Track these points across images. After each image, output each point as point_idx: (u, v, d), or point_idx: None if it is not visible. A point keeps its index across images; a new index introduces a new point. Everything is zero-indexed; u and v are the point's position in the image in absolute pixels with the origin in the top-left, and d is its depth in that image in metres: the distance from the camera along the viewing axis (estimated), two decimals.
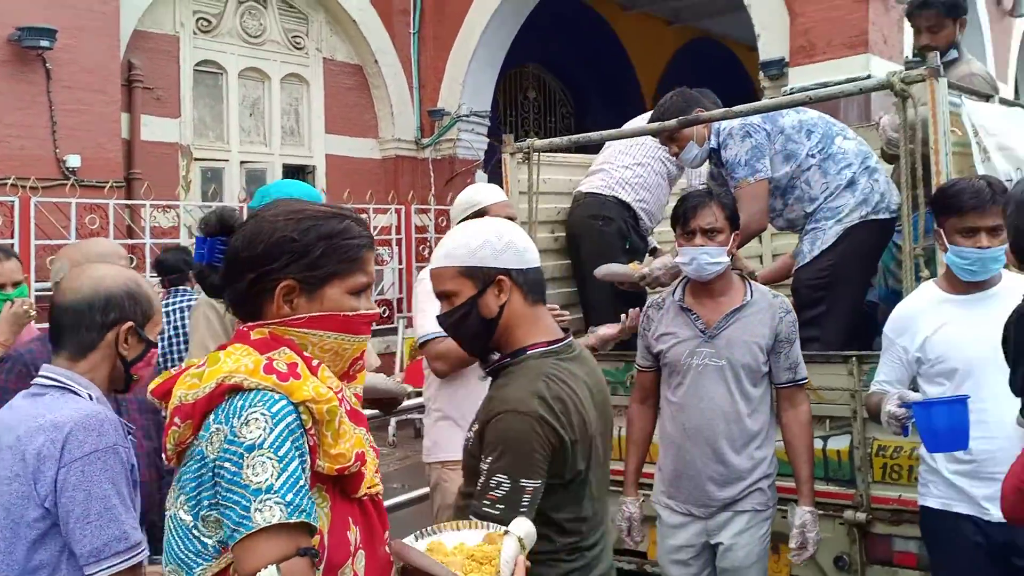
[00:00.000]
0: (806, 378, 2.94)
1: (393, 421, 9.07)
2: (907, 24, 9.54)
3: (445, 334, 3.06)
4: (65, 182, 8.02)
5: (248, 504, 1.31)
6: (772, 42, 9.60)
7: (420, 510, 5.38)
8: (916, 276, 2.94)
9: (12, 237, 7.42)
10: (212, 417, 1.37)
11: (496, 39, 11.83)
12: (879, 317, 3.87)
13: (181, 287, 4.94)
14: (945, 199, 2.56)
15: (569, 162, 4.33)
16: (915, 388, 2.61)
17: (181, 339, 4.81)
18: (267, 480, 1.31)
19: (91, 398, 1.81)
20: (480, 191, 3.40)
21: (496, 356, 2.00)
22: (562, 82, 15.23)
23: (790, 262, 4.10)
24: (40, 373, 1.85)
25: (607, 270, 3.74)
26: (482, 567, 1.46)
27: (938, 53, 3.04)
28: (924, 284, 2.74)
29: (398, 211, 10.84)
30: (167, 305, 4.85)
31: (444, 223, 11.22)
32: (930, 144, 2.87)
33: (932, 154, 2.83)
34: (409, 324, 9.75)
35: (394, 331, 10.05)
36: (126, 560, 1.70)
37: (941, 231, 2.56)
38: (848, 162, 3.55)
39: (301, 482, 1.34)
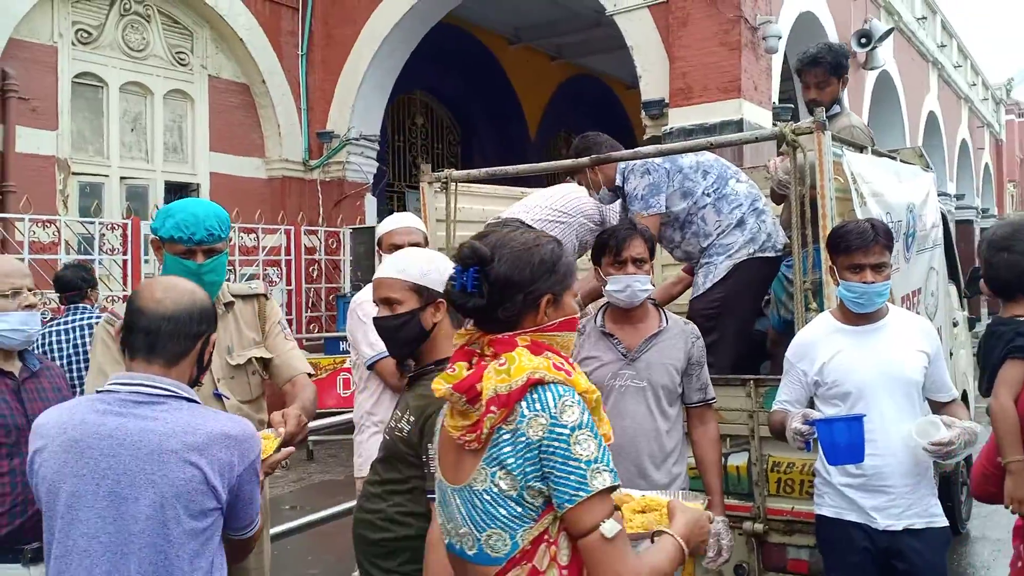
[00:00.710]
0: (715, 398, 3.19)
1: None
2: (775, 72, 10.33)
3: (386, 353, 3.22)
4: None
5: (584, 473, 1.61)
6: (653, 83, 10.12)
7: (322, 531, 5.40)
8: (806, 307, 3.26)
9: None
10: (524, 406, 1.65)
11: (386, 64, 11.95)
12: (768, 344, 4.25)
13: (81, 304, 4.84)
14: (835, 239, 2.89)
15: (483, 192, 4.52)
16: (812, 407, 2.91)
17: (82, 356, 4.70)
18: (592, 453, 1.63)
19: (199, 403, 2.02)
20: (389, 220, 3.59)
21: (411, 364, 2.45)
22: (449, 110, 15.48)
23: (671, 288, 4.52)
24: (138, 381, 1.98)
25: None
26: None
27: (823, 108, 3.39)
28: (821, 315, 3.05)
29: (287, 232, 10.74)
30: (67, 323, 4.73)
31: (334, 244, 11.21)
32: (817, 189, 3.20)
33: (819, 198, 3.17)
34: (300, 345, 9.67)
35: None
36: (252, 528, 2.13)
37: (833, 267, 2.89)
38: (739, 203, 3.87)
39: (608, 453, 1.67)
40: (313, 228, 11.20)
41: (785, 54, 11.35)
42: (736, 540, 3.41)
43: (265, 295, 3.02)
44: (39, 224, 8.34)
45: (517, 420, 1.64)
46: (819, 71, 4.13)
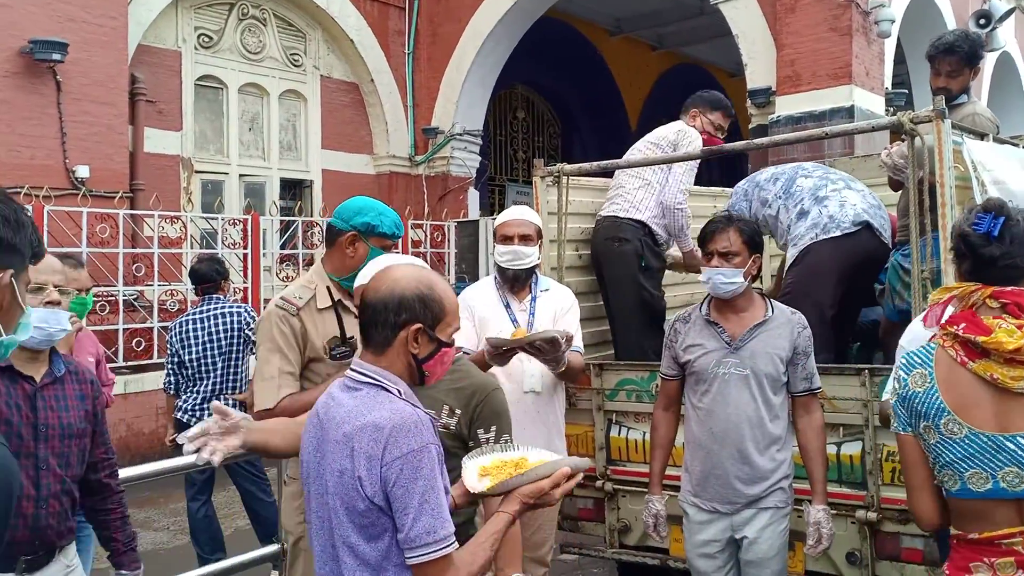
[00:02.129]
0: (820, 387, 3.21)
1: None
2: (888, 57, 10.04)
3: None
4: (75, 192, 8.17)
5: None
6: (759, 71, 9.98)
7: None
8: (924, 296, 3.23)
9: None
10: None
11: (489, 61, 12.14)
12: (881, 334, 4.21)
13: (214, 295, 5.16)
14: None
15: (593, 185, 4.60)
16: None
17: (215, 343, 5.02)
18: None
19: (400, 393, 1.97)
20: (506, 211, 3.73)
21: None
22: (550, 103, 15.59)
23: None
24: (353, 367, 2.02)
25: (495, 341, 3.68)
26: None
27: (943, 97, 3.34)
28: None
29: None
30: (202, 312, 5.07)
31: (439, 237, 11.48)
32: (936, 176, 3.17)
33: (938, 186, 3.14)
34: None
35: None
36: (436, 551, 1.85)
37: None
38: (801, 197, 4.10)
39: None
40: (419, 222, 11.49)
41: (899, 38, 11.01)
42: (848, 529, 3.43)
43: None
44: (167, 220, 8.85)
45: None
46: (953, 60, 4.05)
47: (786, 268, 4.08)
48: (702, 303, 3.28)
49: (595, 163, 4.15)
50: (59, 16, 8.18)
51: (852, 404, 3.43)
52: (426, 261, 11.28)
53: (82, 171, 8.29)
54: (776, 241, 4.35)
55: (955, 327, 2.00)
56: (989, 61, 13.49)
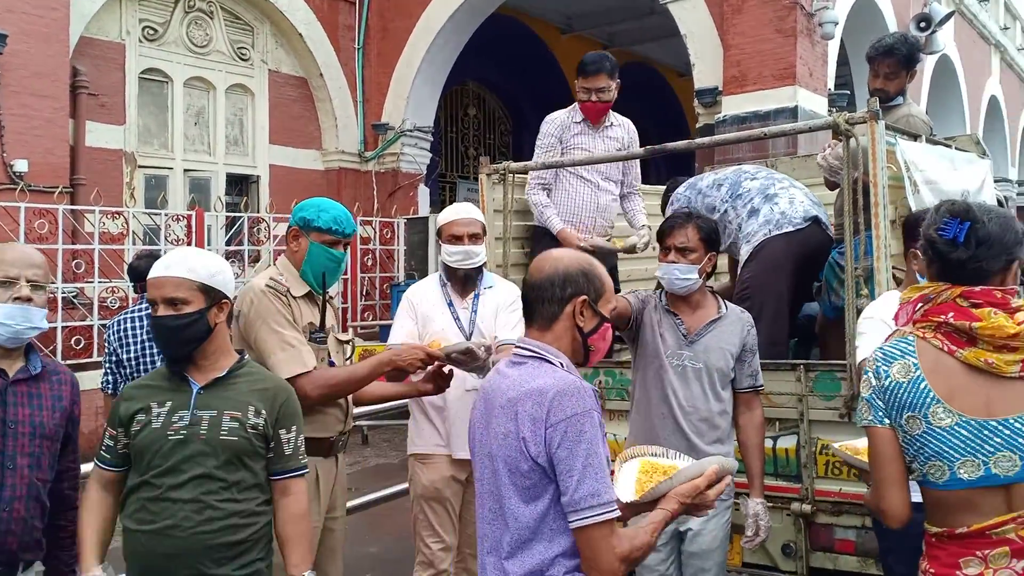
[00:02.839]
0: (763, 385, 3.28)
1: None
2: (831, 58, 10.22)
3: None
4: (13, 187, 7.96)
5: None
6: (706, 71, 10.11)
7: (378, 511, 5.60)
8: (857, 293, 3.32)
9: None
10: None
11: (439, 57, 12.11)
12: (817, 330, 4.30)
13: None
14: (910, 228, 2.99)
15: None
16: None
17: (154, 342, 4.92)
18: None
19: (562, 366, 2.05)
20: (450, 210, 3.73)
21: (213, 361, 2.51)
22: (502, 100, 15.60)
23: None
24: (517, 344, 2.14)
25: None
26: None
27: (877, 98, 3.42)
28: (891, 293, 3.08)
29: None
30: (140, 310, 4.96)
31: (388, 234, 11.43)
32: (870, 177, 3.25)
33: (872, 186, 3.22)
34: (356, 333, 9.91)
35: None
36: (599, 515, 1.90)
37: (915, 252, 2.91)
38: (750, 197, 4.15)
39: None
40: (368, 218, 11.43)
41: (842, 40, 11.22)
42: (784, 521, 3.50)
43: (334, 296, 3.40)
44: (109, 216, 8.68)
45: None
46: (891, 62, 4.18)
47: (741, 265, 4.16)
48: (659, 292, 3.33)
49: (542, 161, 4.17)
50: None
51: (788, 399, 3.50)
52: (375, 258, 11.26)
53: (20, 165, 8.08)
54: (722, 242, 4.37)
55: (942, 316, 2.04)
56: (929, 64, 13.83)
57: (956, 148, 4.28)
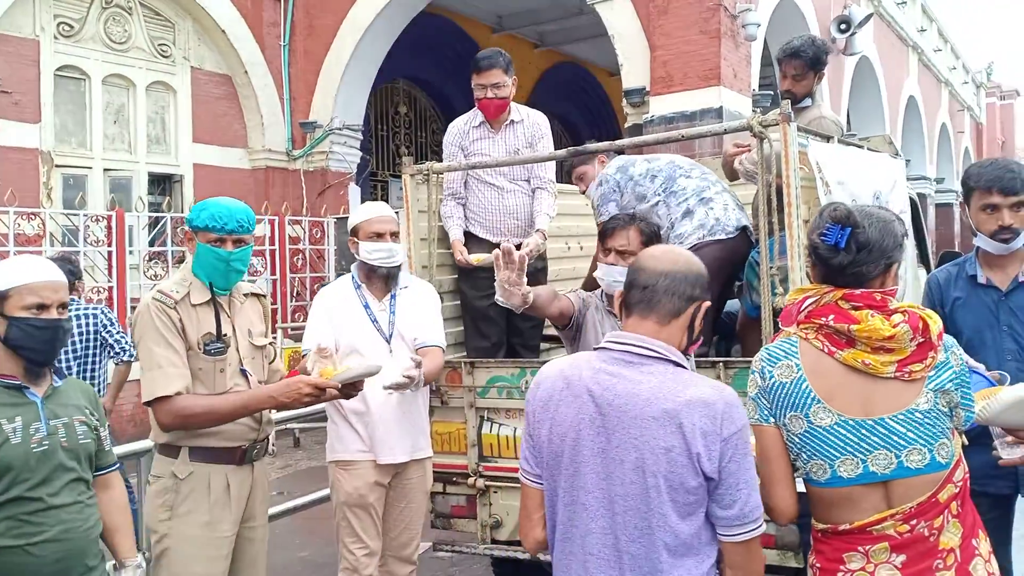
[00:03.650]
0: None
1: (272, 432, 9.08)
2: (754, 59, 10.43)
3: (310, 348, 3.44)
4: None
5: (972, 399, 2.15)
6: (634, 72, 10.22)
7: (309, 515, 5.53)
8: (773, 292, 3.38)
9: None
10: (944, 343, 2.12)
11: (368, 54, 12.00)
12: (738, 328, 4.38)
13: (70, 295, 4.92)
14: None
15: None
16: None
17: (68, 347, 4.81)
18: None
19: (684, 367, 2.00)
20: (364, 209, 3.67)
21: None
22: (432, 99, 15.53)
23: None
24: (627, 340, 2.00)
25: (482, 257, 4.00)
26: None
27: (790, 100, 3.50)
28: None
29: (271, 222, 10.81)
30: None
31: (318, 234, 11.29)
32: (783, 178, 3.32)
33: (785, 187, 3.28)
34: (285, 334, 9.76)
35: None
36: (759, 528, 1.92)
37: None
38: (685, 196, 4.09)
39: None
40: (297, 218, 11.26)
41: (766, 41, 11.46)
42: None
43: (265, 295, 3.28)
44: (24, 217, 8.38)
45: (945, 351, 2.11)
46: (798, 63, 4.24)
47: None
48: (600, 293, 3.33)
49: (463, 162, 4.15)
50: None
51: None
52: (305, 258, 11.11)
53: None
54: None
55: (823, 319, 2.10)
56: (849, 65, 14.23)
57: (869, 149, 4.40)
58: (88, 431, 2.57)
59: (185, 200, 10.90)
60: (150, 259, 9.64)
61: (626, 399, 1.94)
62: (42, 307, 2.43)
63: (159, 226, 9.65)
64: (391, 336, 3.51)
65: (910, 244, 4.78)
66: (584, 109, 18.00)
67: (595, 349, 2.08)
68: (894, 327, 2.04)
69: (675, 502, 1.89)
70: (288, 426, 9.43)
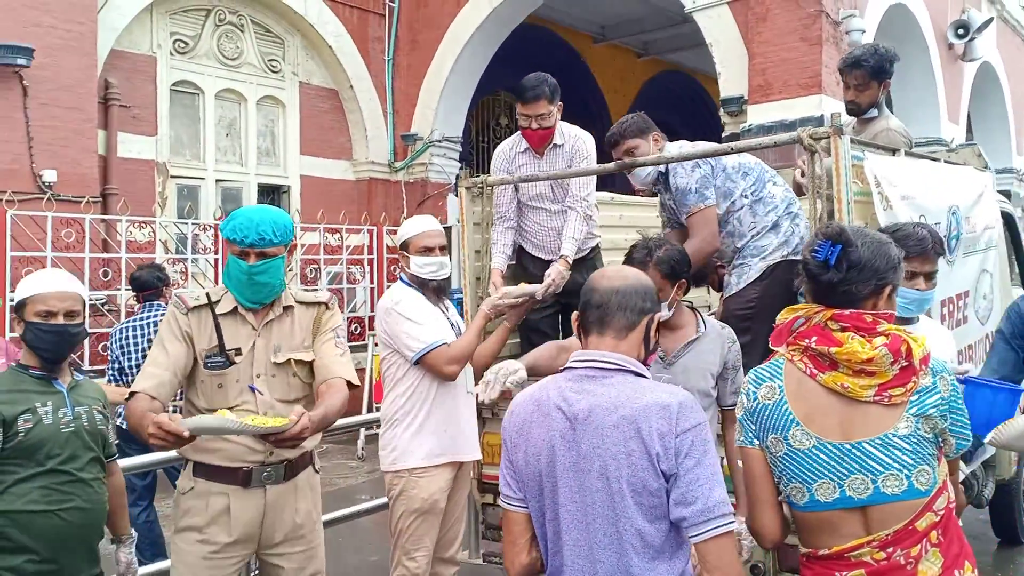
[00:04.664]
0: None
1: (363, 435, 9.33)
2: None
3: (445, 342, 3.50)
4: (41, 196, 8.21)
5: (967, 424, 2.09)
6: (732, 80, 10.02)
7: (376, 519, 5.64)
8: None
9: None
10: (932, 368, 2.06)
11: (468, 68, 12.18)
12: None
13: (156, 302, 5.20)
14: None
15: None
16: None
17: None
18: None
19: (645, 376, 2.05)
20: (414, 223, 3.80)
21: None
22: None
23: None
24: (590, 356, 2.05)
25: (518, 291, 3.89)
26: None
27: (841, 113, 3.36)
28: None
29: (370, 231, 11.11)
30: (143, 319, 5.11)
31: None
32: (833, 192, 3.19)
33: (835, 202, 3.16)
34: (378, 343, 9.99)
35: (365, 348, 10.30)
36: (730, 523, 1.91)
37: None
38: (775, 206, 3.86)
39: None
40: (395, 228, 11.48)
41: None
42: (754, 541, 3.44)
43: (327, 304, 3.10)
44: (136, 225, 8.89)
45: (933, 376, 2.05)
46: (859, 73, 4.11)
47: (748, 279, 3.88)
48: None
49: (518, 176, 4.18)
50: (25, 21, 8.21)
51: None
52: (402, 268, 11.34)
53: (49, 175, 8.32)
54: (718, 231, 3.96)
55: (806, 340, 2.08)
56: (969, 71, 13.50)
57: (948, 161, 4.18)
58: (103, 420, 2.99)
59: (292, 209, 11.32)
60: None
61: (589, 411, 1.99)
62: (50, 314, 2.81)
63: None
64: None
65: (995, 261, 4.50)
66: (689, 118, 17.69)
67: (561, 370, 2.10)
68: (874, 350, 1.99)
69: (640, 505, 1.92)
70: (376, 431, 9.65)
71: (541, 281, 4.24)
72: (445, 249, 3.68)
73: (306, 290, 3.28)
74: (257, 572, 3.22)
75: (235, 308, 2.95)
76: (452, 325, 3.73)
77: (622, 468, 1.93)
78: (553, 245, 4.31)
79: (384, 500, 5.50)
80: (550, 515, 2.06)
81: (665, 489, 1.92)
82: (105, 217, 8.75)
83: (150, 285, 5.25)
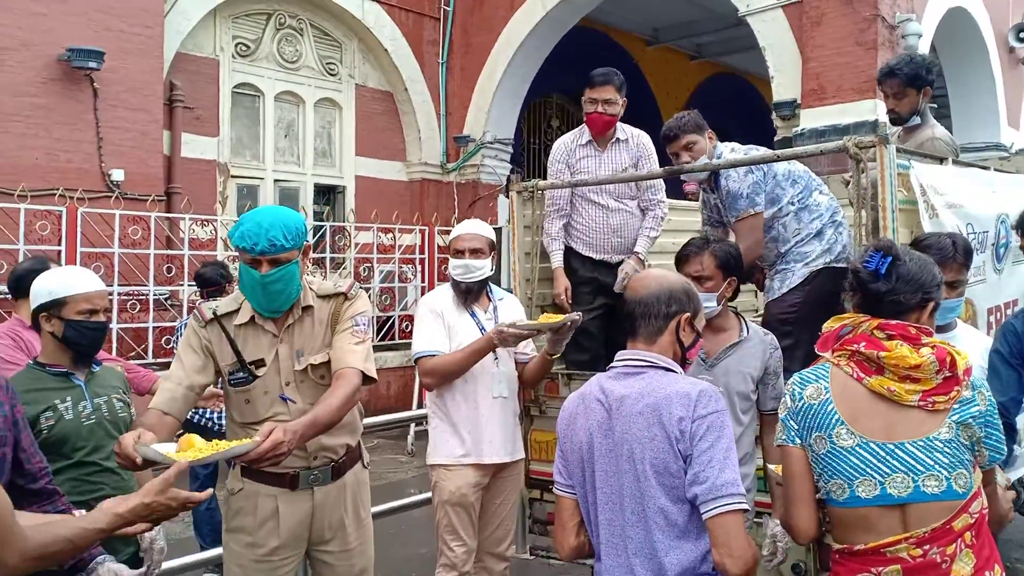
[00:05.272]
0: None
1: (412, 431, 9.51)
2: None
3: (434, 352, 3.51)
4: (109, 194, 8.54)
5: (1002, 439, 2.18)
6: (785, 84, 9.99)
7: (426, 511, 5.80)
8: None
9: (60, 245, 7.92)
10: (972, 382, 2.16)
11: (521, 71, 12.31)
12: None
13: (219, 297, 5.40)
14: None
15: None
16: None
17: None
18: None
19: (681, 373, 2.26)
20: (459, 226, 3.87)
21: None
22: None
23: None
24: (626, 357, 2.27)
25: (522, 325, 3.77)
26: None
27: (886, 122, 3.41)
28: None
29: (422, 231, 11.31)
30: None
31: None
32: (878, 200, 3.24)
33: (880, 210, 3.21)
34: None
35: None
36: (739, 503, 2.07)
37: None
38: (819, 214, 3.94)
39: None
40: (446, 228, 11.69)
41: (936, 51, 10.89)
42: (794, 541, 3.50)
43: (346, 295, 2.97)
44: (198, 223, 9.19)
45: (972, 389, 2.15)
46: (895, 82, 4.15)
47: (791, 284, 3.96)
48: None
49: (567, 180, 4.29)
50: (96, 25, 8.56)
51: None
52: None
53: (117, 174, 8.65)
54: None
55: (856, 345, 2.18)
56: None
57: (998, 170, 4.18)
58: (124, 406, 3.05)
59: (346, 209, 11.57)
60: (312, 264, 10.30)
61: (621, 401, 2.21)
62: (93, 312, 2.89)
63: (319, 234, 10.29)
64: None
65: None
66: (741, 121, 17.55)
67: (604, 369, 2.30)
68: (921, 357, 2.10)
69: (663, 486, 2.11)
70: (426, 427, 9.83)
71: (587, 283, 4.36)
72: (479, 253, 3.72)
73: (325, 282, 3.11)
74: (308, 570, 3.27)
75: (252, 317, 2.87)
76: (482, 329, 3.72)
77: (646, 451, 2.13)
78: (606, 244, 4.42)
79: (414, 498, 5.75)
80: (591, 498, 2.26)
81: (684, 470, 2.10)
82: (169, 215, 9.06)
83: (214, 282, 5.45)
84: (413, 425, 9.62)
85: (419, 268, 11.24)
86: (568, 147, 4.49)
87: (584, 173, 4.39)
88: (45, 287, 2.90)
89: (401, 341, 10.55)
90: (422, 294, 11.25)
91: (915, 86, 4.13)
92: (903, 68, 4.15)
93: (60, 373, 2.92)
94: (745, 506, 2.09)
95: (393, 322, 10.76)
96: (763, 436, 3.29)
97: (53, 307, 2.86)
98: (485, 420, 3.70)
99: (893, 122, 4.27)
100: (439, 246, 11.36)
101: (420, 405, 9.74)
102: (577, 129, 4.52)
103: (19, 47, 8.11)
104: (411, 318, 11.18)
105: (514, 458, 3.82)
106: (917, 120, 4.13)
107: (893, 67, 4.14)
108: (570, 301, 4.31)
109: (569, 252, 4.44)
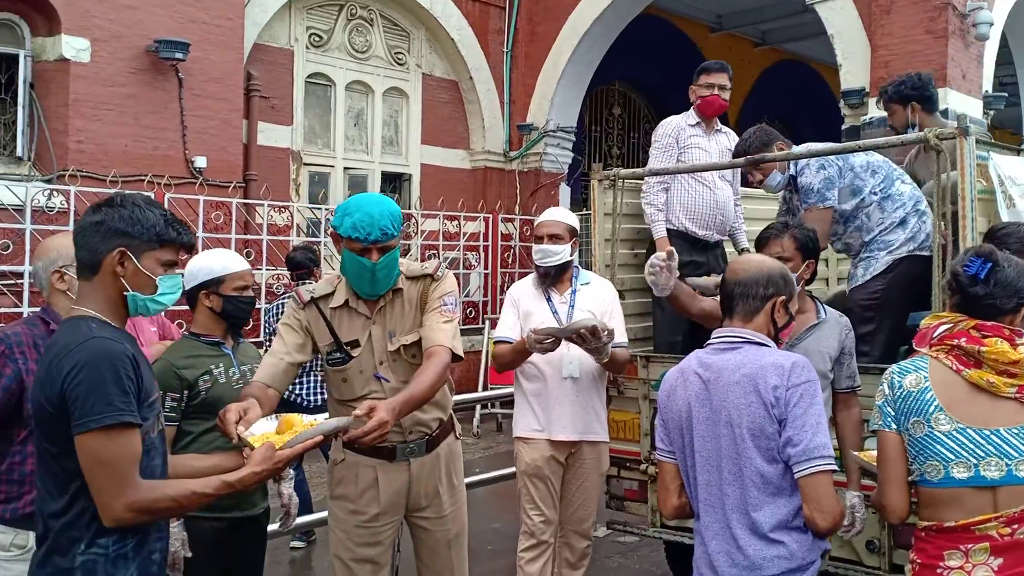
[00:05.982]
0: (860, 385, 3.45)
1: (478, 413, 9.77)
2: (988, 59, 9.84)
3: (503, 338, 3.94)
4: (193, 181, 8.92)
5: None
6: (853, 72, 9.95)
7: (491, 490, 6.05)
8: (943, 303, 3.41)
9: None
10: None
11: (585, 59, 12.42)
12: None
13: (308, 280, 5.69)
14: (993, 240, 3.18)
15: None
16: None
17: None
18: None
19: (776, 348, 2.48)
20: (544, 213, 4.06)
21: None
22: (647, 100, 15.72)
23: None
24: (723, 334, 2.48)
25: (695, 282, 4.06)
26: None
27: (967, 115, 3.52)
28: None
29: (486, 219, 11.53)
30: None
31: (528, 232, 11.86)
32: (958, 191, 3.35)
33: (960, 200, 3.32)
34: (493, 325, 10.42)
35: (480, 331, 10.75)
36: (829, 463, 2.28)
37: None
38: (902, 203, 4.02)
39: None
40: (510, 216, 11.91)
41: (1007, 39, 10.74)
42: (870, 518, 3.63)
43: (433, 275, 3.09)
44: (276, 209, 9.54)
45: None
46: (884, 101, 4.55)
47: (874, 271, 4.03)
48: None
49: (648, 169, 4.45)
50: (181, 17, 8.91)
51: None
52: (515, 254, 11.73)
53: (200, 162, 9.01)
54: (836, 237, 4.18)
55: (957, 340, 2.34)
56: None
57: None
58: None
59: (412, 197, 11.85)
60: None
61: (718, 373, 2.42)
62: (245, 288, 3.20)
63: None
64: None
65: None
66: (807, 108, 17.43)
67: (703, 346, 2.51)
68: (1020, 354, 2.26)
69: (759, 448, 2.32)
70: (492, 411, 10.10)
71: (683, 266, 4.54)
72: (557, 238, 3.88)
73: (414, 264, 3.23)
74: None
75: (347, 301, 3.04)
76: (555, 313, 3.88)
77: (743, 416, 2.33)
78: (712, 220, 4.71)
79: (497, 473, 6.01)
80: (689, 462, 2.47)
81: (778, 433, 2.29)
82: (249, 201, 9.41)
83: (303, 265, 5.74)
84: (479, 407, 9.90)
85: (482, 255, 11.47)
86: (679, 125, 4.78)
87: (695, 149, 4.69)
88: (206, 267, 3.22)
89: (466, 327, 10.80)
90: (485, 281, 11.52)
91: (900, 102, 4.40)
92: (887, 88, 4.52)
93: (212, 342, 3.22)
94: (835, 467, 2.29)
95: None
96: (836, 413, 3.44)
97: (212, 284, 3.17)
98: (554, 398, 3.90)
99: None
100: (503, 233, 11.57)
101: (485, 388, 10.00)
102: (684, 113, 4.85)
103: (111, 38, 8.50)
104: (475, 304, 11.48)
105: (585, 438, 3.92)
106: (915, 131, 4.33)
107: (881, 89, 4.59)
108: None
109: (669, 234, 4.62)
